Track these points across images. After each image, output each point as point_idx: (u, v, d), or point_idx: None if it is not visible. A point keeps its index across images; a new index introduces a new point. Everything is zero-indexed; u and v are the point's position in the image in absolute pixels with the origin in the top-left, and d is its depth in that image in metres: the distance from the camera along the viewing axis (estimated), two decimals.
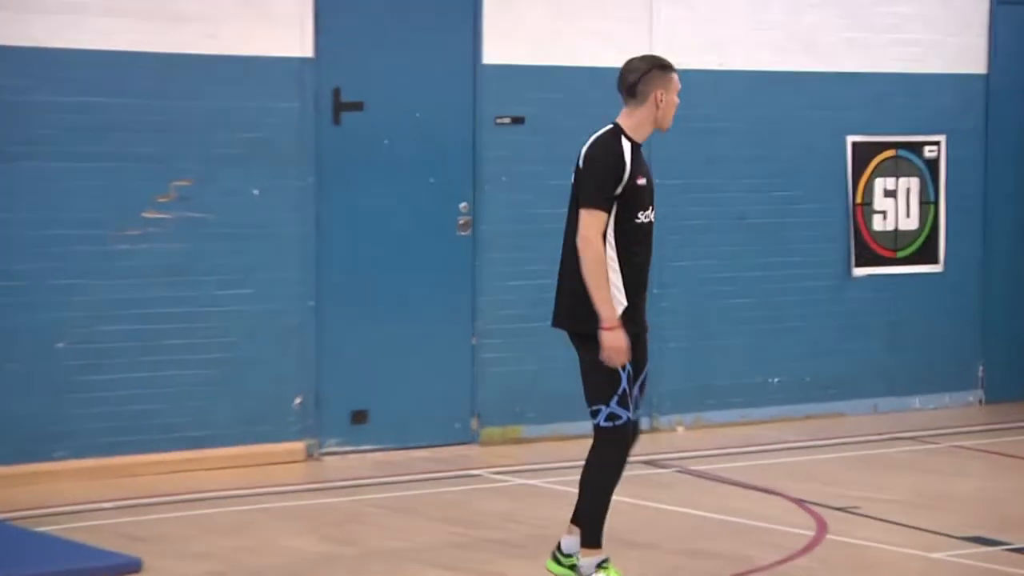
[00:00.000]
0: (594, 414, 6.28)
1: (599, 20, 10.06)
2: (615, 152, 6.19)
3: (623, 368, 6.18)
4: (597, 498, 6.28)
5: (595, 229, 6.11)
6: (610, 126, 6.31)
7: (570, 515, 6.44)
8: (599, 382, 6.22)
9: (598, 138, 6.27)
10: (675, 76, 6.34)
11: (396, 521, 7.85)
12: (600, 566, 6.27)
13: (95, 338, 8.78)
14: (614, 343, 6.11)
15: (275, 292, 9.23)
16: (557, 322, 6.39)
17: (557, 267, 9.90)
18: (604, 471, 6.29)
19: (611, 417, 6.22)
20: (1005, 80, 11.37)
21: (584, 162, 6.23)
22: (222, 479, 8.78)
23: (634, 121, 6.27)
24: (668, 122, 6.34)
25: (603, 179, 6.14)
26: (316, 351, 9.33)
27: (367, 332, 9.47)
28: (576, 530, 6.43)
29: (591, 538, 6.30)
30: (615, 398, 6.21)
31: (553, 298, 6.43)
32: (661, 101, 6.27)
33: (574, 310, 6.24)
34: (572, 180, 6.34)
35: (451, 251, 9.71)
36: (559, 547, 6.47)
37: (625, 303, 6.21)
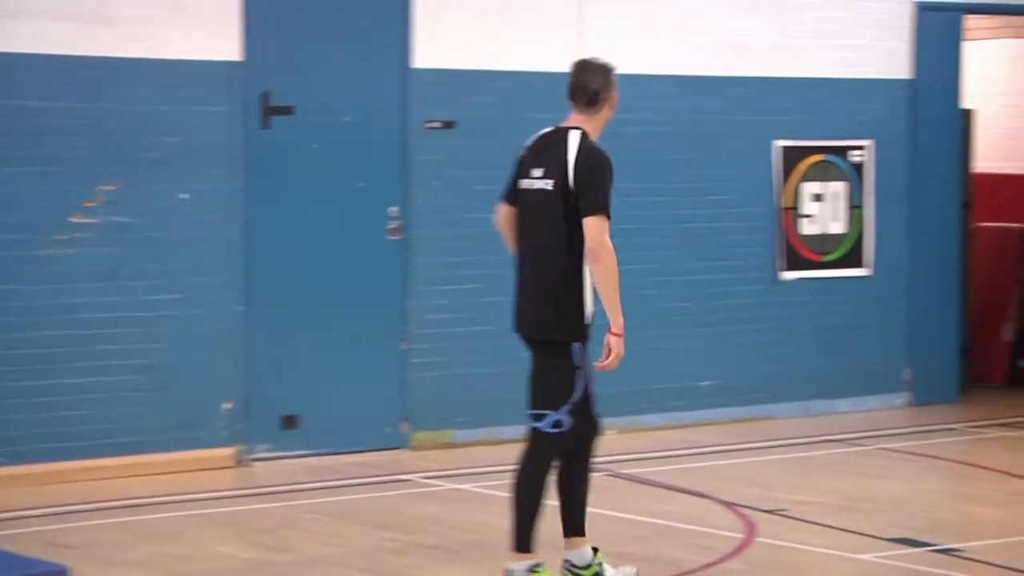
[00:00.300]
0: (537, 418, 6.31)
1: (530, 24, 10.08)
2: (608, 158, 6.29)
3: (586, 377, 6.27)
4: (530, 503, 6.30)
5: (607, 235, 6.18)
6: (575, 130, 6.34)
7: (527, 520, 6.36)
8: (556, 389, 6.28)
9: (586, 144, 6.29)
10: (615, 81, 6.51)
11: (327, 526, 7.83)
12: (533, 570, 6.29)
13: (22, 344, 8.71)
14: (621, 350, 6.22)
15: (204, 297, 9.18)
16: (527, 329, 6.38)
17: (487, 271, 9.99)
18: (541, 476, 6.32)
19: (557, 424, 6.29)
20: (930, 85, 11.49)
21: (583, 169, 6.22)
22: (152, 485, 8.73)
23: (594, 126, 6.38)
24: (605, 125, 6.49)
25: (607, 185, 6.23)
26: (245, 356, 9.29)
27: (297, 337, 9.45)
28: (575, 541, 6.46)
29: (522, 543, 6.31)
30: (567, 406, 6.29)
31: (512, 302, 6.46)
32: (613, 104, 6.44)
33: (551, 318, 6.27)
34: (530, 185, 6.34)
35: (381, 256, 9.70)
36: (572, 564, 6.47)
37: (593, 308, 6.29)
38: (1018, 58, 13.21)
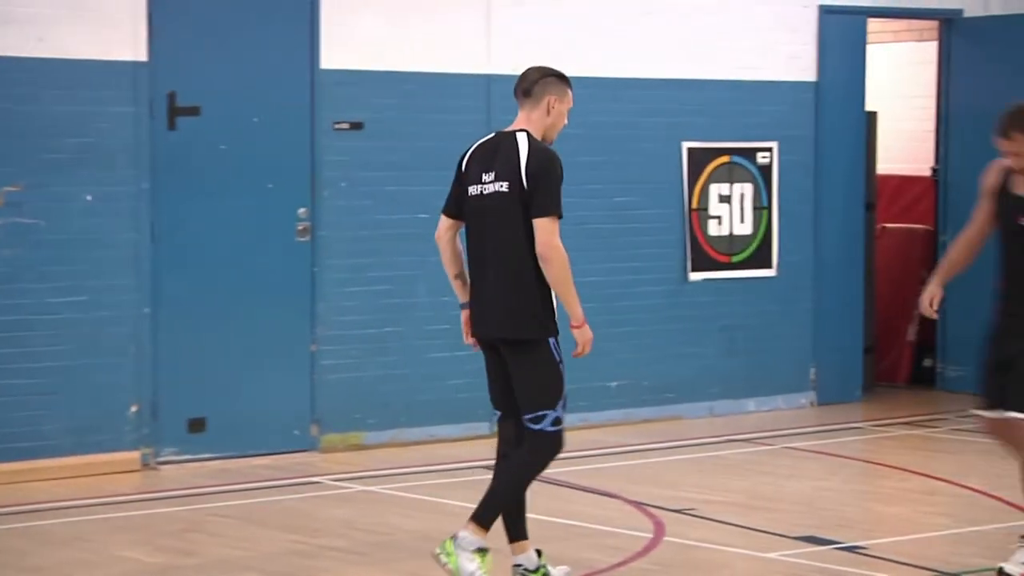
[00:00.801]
0: (538, 419, 6.37)
1: (437, 25, 10.09)
2: (558, 157, 6.35)
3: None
4: (515, 492, 6.40)
5: (557, 236, 6.26)
6: (521, 131, 6.39)
7: (464, 523, 6.38)
8: (548, 387, 6.36)
9: (535, 144, 6.35)
10: (570, 93, 6.53)
11: (235, 530, 7.79)
12: (480, 550, 6.31)
13: None
14: (590, 336, 6.36)
15: (109, 299, 9.11)
16: (497, 330, 6.40)
17: (396, 273, 9.99)
18: (533, 470, 6.42)
19: (556, 422, 6.37)
20: (834, 87, 11.63)
21: (534, 169, 6.28)
22: (56, 490, 8.64)
23: (536, 127, 6.42)
24: (554, 134, 6.49)
25: (559, 186, 6.31)
26: (152, 359, 9.23)
27: (204, 339, 9.40)
28: (524, 545, 6.49)
29: (486, 520, 6.34)
30: (561, 402, 6.38)
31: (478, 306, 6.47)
32: (553, 108, 6.43)
33: (525, 316, 6.32)
34: (482, 190, 6.36)
35: (290, 257, 9.67)
36: (525, 568, 6.49)
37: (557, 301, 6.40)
38: (920, 61, 13.40)
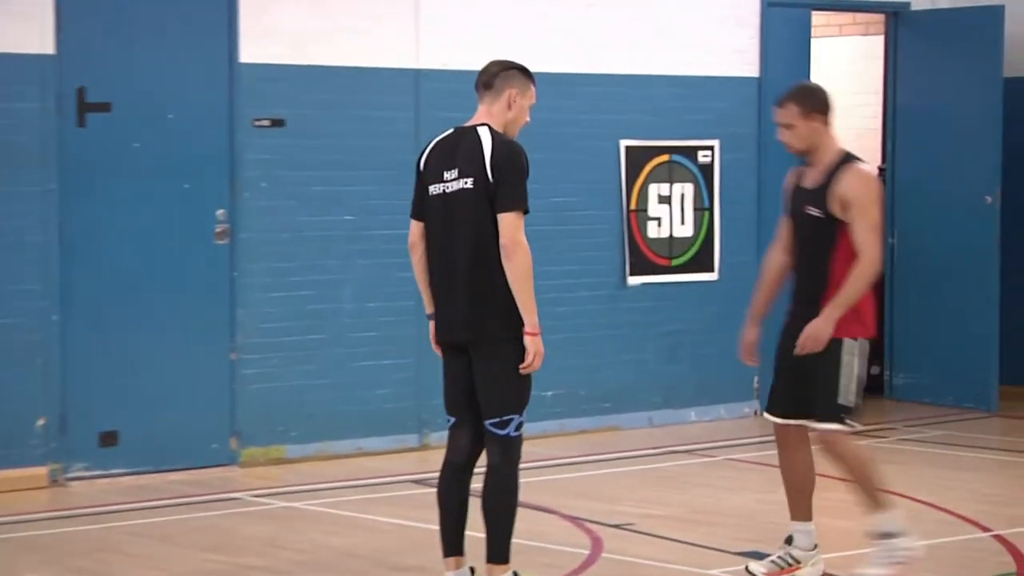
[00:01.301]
0: (503, 424, 6.36)
1: (363, 18, 10.02)
2: (523, 150, 6.36)
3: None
4: (512, 512, 6.40)
5: (522, 232, 6.26)
6: (482, 126, 6.37)
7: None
8: (516, 391, 6.37)
9: (499, 137, 6.34)
10: (533, 88, 6.52)
11: (151, 549, 7.71)
12: None
13: None
14: (541, 348, 6.33)
15: (15, 306, 9.00)
16: (465, 332, 6.37)
17: (320, 277, 9.90)
18: (516, 480, 6.42)
19: (520, 426, 6.38)
20: (778, 83, 11.55)
21: (500, 163, 6.28)
22: None
23: (496, 121, 6.41)
24: (515, 130, 6.49)
25: (524, 179, 6.32)
26: (61, 369, 9.12)
27: (117, 348, 9.28)
28: (459, 561, 6.46)
29: (503, 554, 6.37)
30: (525, 407, 6.40)
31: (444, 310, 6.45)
32: (514, 102, 6.43)
33: (495, 318, 6.31)
34: (444, 188, 6.33)
35: (208, 261, 9.57)
36: None
37: None
38: (865, 55, 13.46)
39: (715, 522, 8.22)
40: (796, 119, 6.83)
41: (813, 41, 12.00)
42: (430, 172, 6.45)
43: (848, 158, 6.81)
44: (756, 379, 11.67)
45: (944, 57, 12.05)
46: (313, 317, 9.92)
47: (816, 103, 6.83)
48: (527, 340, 6.31)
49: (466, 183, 6.33)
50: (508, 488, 6.40)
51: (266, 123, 9.73)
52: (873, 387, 12.50)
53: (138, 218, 9.35)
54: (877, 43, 13.03)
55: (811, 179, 6.89)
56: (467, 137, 6.39)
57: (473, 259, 6.32)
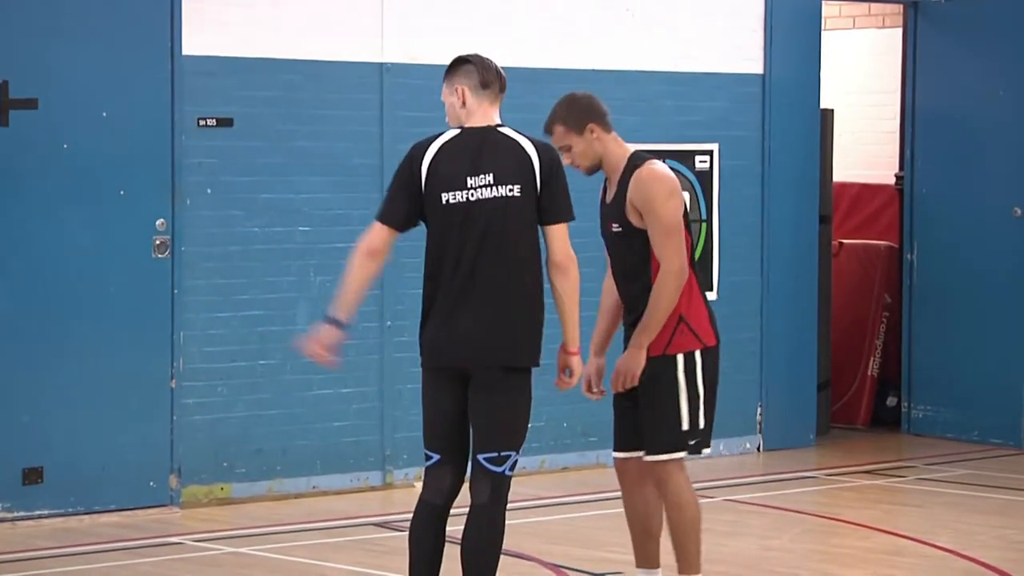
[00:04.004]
0: (500, 461, 6.41)
1: (321, 7, 10.06)
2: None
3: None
4: (497, 558, 6.42)
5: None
6: (503, 127, 6.53)
7: None
8: (521, 427, 6.50)
9: (540, 142, 6.54)
10: None
11: None
12: None
13: None
14: (582, 368, 6.57)
15: None
16: (479, 357, 6.40)
17: (272, 295, 9.91)
18: (503, 526, 6.45)
19: (515, 466, 6.46)
20: (785, 81, 11.70)
21: (548, 171, 6.43)
22: None
23: (493, 119, 6.55)
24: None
25: (568, 188, 6.49)
26: None
27: (41, 375, 9.30)
28: None
29: None
30: (522, 445, 6.49)
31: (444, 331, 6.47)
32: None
33: (519, 342, 6.42)
34: (468, 196, 6.38)
35: (145, 277, 9.60)
36: None
37: None
38: (883, 51, 13.54)
39: (713, 570, 8.24)
40: (568, 138, 6.92)
41: (824, 34, 12.07)
42: (442, 177, 6.42)
43: (635, 159, 6.91)
44: (759, 411, 11.72)
45: (969, 53, 12.14)
46: (263, 340, 9.94)
47: (583, 113, 6.92)
48: (573, 360, 6.55)
49: (511, 190, 6.38)
50: (495, 532, 6.41)
51: (212, 122, 9.76)
52: (890, 420, 12.60)
53: (67, 228, 9.36)
54: (895, 37, 13.12)
55: (610, 192, 7.00)
56: (494, 138, 6.45)
57: (506, 276, 6.38)
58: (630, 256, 6.90)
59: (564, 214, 6.44)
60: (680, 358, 6.85)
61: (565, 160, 6.86)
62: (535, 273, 6.43)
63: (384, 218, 6.49)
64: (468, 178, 6.41)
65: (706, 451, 6.98)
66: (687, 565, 6.90)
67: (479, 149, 6.43)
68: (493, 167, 6.39)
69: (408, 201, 6.47)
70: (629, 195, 6.84)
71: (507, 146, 6.42)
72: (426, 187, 6.45)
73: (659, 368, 6.86)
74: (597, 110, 6.95)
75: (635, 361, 6.84)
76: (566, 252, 6.42)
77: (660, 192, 6.80)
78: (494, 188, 6.39)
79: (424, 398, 6.55)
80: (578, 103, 6.96)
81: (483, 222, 6.37)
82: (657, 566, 7.04)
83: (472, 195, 6.39)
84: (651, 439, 6.91)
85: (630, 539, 7.10)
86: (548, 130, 6.96)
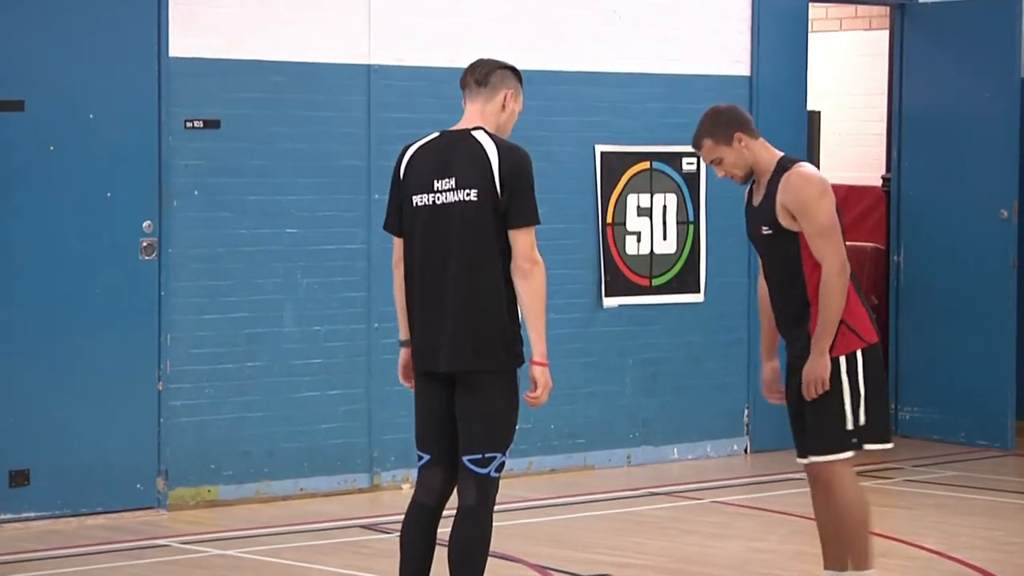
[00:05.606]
0: (485, 463, 6.40)
1: (309, 9, 10.07)
2: (529, 157, 6.44)
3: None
4: (484, 560, 6.40)
5: (537, 249, 6.37)
6: (478, 129, 6.43)
7: None
8: (503, 428, 6.44)
9: (503, 143, 6.42)
10: (522, 95, 6.65)
11: None
12: None
13: None
14: (549, 380, 6.45)
15: None
16: (456, 362, 6.39)
17: (259, 297, 9.92)
18: (490, 528, 6.44)
19: (501, 467, 6.44)
20: (771, 82, 11.72)
21: (509, 173, 6.35)
22: None
23: (491, 123, 6.48)
24: (506, 135, 6.55)
25: (533, 190, 6.41)
26: None
27: (28, 377, 9.29)
28: None
29: None
30: (509, 447, 6.46)
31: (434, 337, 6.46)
32: (507, 105, 6.53)
33: (493, 345, 6.37)
34: (434, 200, 6.36)
35: (132, 279, 9.60)
36: None
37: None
38: (869, 53, 13.57)
39: (701, 572, 8.26)
40: (718, 151, 6.94)
41: (811, 36, 12.09)
42: (414, 181, 6.45)
43: (784, 162, 6.94)
44: (746, 412, 11.74)
45: (955, 55, 12.16)
46: (251, 342, 9.94)
47: (729, 124, 6.93)
48: (536, 371, 6.41)
49: (468, 195, 6.35)
50: (481, 533, 6.42)
51: (199, 124, 9.76)
52: None
53: (53, 230, 9.36)
54: (881, 39, 13.15)
55: (758, 195, 7.01)
56: (463, 142, 6.42)
57: (468, 281, 6.36)
58: (781, 257, 6.94)
59: (526, 218, 6.36)
60: (843, 360, 6.87)
61: (719, 173, 6.95)
62: (497, 276, 6.37)
63: (386, 226, 6.59)
64: (435, 181, 6.42)
65: (878, 446, 6.94)
66: (858, 562, 6.93)
67: (449, 153, 6.43)
68: (457, 171, 6.39)
69: (398, 206, 6.53)
70: (779, 198, 6.86)
71: (472, 149, 6.39)
72: (402, 189, 6.50)
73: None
74: (741, 118, 6.96)
75: (821, 366, 6.85)
76: (528, 256, 6.34)
77: (812, 193, 6.84)
78: (456, 192, 6.38)
79: (415, 399, 6.58)
80: (722, 115, 6.97)
81: (447, 225, 6.38)
82: (846, 567, 7.04)
83: (438, 198, 6.40)
84: (815, 441, 6.96)
85: (819, 541, 7.07)
86: (697, 146, 6.98)
